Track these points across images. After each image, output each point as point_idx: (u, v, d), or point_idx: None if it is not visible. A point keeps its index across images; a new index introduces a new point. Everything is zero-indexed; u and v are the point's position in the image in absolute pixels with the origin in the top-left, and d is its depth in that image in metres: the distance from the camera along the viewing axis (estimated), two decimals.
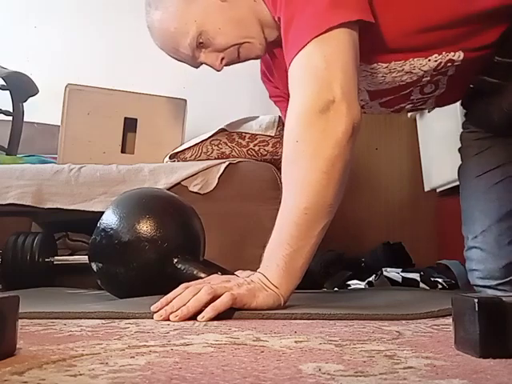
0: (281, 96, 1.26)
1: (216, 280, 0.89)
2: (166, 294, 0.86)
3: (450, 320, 0.57)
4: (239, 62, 1.16)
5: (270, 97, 1.33)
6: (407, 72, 1.05)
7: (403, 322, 0.79)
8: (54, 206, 1.55)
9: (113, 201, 1.18)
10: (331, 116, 0.88)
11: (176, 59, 1.17)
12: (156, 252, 1.07)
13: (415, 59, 1.03)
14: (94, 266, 1.12)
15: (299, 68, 0.92)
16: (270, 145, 1.66)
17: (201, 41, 1.10)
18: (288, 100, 0.94)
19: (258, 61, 1.28)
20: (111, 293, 1.13)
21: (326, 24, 0.90)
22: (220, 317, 0.80)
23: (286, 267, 0.88)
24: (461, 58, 1.03)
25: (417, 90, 1.12)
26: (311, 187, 0.88)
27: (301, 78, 0.92)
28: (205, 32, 1.09)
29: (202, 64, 1.16)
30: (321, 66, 0.90)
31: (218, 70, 1.17)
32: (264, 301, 0.85)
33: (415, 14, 0.99)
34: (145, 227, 1.08)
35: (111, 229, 1.09)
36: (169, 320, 0.79)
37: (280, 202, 0.91)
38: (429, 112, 1.81)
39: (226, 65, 1.15)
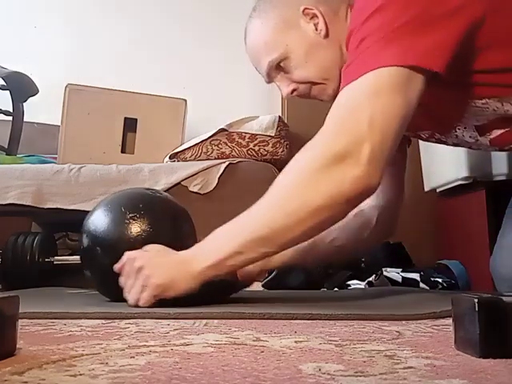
0: None
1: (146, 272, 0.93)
2: None
3: (450, 320, 0.57)
4: (309, 98, 1.13)
5: None
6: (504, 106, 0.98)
7: (403, 322, 0.79)
8: (54, 206, 1.55)
9: (100, 201, 1.18)
10: (345, 169, 0.84)
11: (254, 66, 1.16)
12: None
13: None
14: (87, 272, 1.11)
15: (343, 100, 0.88)
16: (270, 145, 1.66)
17: (282, 65, 1.08)
18: None
19: None
20: (105, 295, 1.13)
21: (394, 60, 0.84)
22: (220, 317, 0.81)
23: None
24: None
25: None
26: (277, 214, 0.88)
27: (340, 115, 0.88)
28: (289, 59, 1.07)
29: (273, 82, 1.13)
30: (364, 114, 0.85)
31: (285, 98, 1.14)
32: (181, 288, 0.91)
33: None
34: (133, 228, 1.07)
35: (96, 231, 1.08)
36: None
37: None
38: None
39: (296, 95, 1.12)
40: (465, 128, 1.06)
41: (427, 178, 1.97)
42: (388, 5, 0.87)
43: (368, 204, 1.18)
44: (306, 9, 1.05)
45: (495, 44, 0.90)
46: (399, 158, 1.23)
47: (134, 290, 0.93)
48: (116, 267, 0.97)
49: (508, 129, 1.05)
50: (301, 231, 0.88)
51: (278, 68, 1.09)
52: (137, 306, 0.92)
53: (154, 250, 0.98)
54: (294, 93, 1.11)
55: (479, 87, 0.96)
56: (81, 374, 0.44)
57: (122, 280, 0.96)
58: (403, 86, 0.86)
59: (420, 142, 2.06)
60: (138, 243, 1.03)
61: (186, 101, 2.00)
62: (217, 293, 0.98)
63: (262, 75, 1.14)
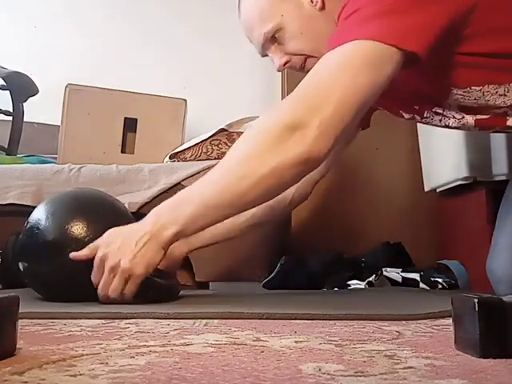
0: None
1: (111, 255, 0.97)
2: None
3: (450, 320, 0.57)
4: (301, 71, 1.12)
5: None
6: (501, 95, 0.99)
7: (403, 322, 0.79)
8: None
9: (45, 199, 1.18)
10: (293, 138, 0.87)
11: (247, 37, 1.15)
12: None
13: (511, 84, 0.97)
14: (20, 265, 1.11)
15: (316, 68, 0.91)
16: None
17: (276, 36, 1.07)
18: None
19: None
20: (39, 293, 1.13)
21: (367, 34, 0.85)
22: (220, 317, 0.81)
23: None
24: None
25: None
26: (231, 180, 0.92)
27: (306, 84, 0.91)
28: (284, 30, 1.06)
29: (267, 55, 1.13)
30: (325, 86, 0.87)
31: (278, 70, 1.14)
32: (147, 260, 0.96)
33: None
34: (71, 227, 1.06)
35: (37, 228, 1.08)
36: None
37: None
38: None
39: (289, 68, 1.13)
40: (449, 107, 1.07)
41: (427, 178, 1.97)
42: None
43: None
44: None
45: (484, 32, 0.91)
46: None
47: (115, 285, 0.96)
48: (77, 256, 1.00)
49: (490, 115, 1.06)
50: (254, 195, 0.92)
51: (272, 39, 1.08)
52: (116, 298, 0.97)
53: (115, 239, 0.99)
54: (287, 65, 1.10)
55: (462, 70, 0.95)
56: (81, 374, 0.44)
57: (94, 279, 0.99)
58: (376, 63, 0.87)
59: (420, 142, 2.06)
60: (77, 242, 1.04)
61: (186, 101, 2.00)
62: (161, 295, 1.03)
63: (255, 46, 1.13)
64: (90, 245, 1.00)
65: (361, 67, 0.87)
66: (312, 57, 1.07)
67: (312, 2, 1.05)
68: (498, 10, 0.91)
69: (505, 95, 0.99)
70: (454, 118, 1.09)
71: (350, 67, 0.87)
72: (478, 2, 0.88)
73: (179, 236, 0.97)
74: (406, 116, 1.16)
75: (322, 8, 1.05)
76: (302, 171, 0.92)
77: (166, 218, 0.96)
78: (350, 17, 0.89)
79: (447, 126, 1.14)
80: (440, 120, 1.12)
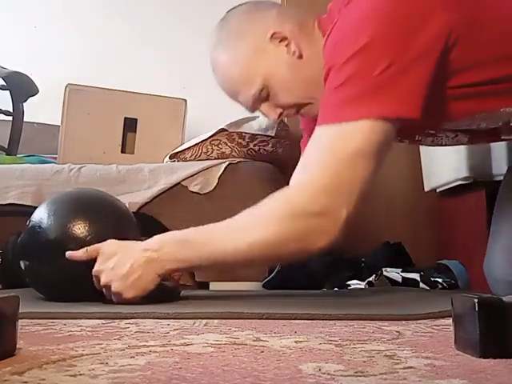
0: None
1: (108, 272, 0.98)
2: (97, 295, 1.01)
3: (450, 320, 0.57)
4: (298, 115, 1.12)
5: (301, 128, 1.24)
6: (491, 118, 0.99)
7: (403, 322, 0.79)
8: None
9: (47, 199, 1.19)
10: (320, 228, 0.89)
11: (231, 98, 1.14)
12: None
13: (506, 108, 0.96)
14: (21, 263, 1.11)
15: (324, 142, 0.89)
16: (270, 145, 1.66)
17: (264, 94, 1.05)
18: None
19: None
20: (40, 292, 1.13)
21: (369, 113, 0.85)
22: (220, 317, 0.81)
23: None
24: None
25: (506, 129, 1.05)
26: (246, 251, 0.92)
27: (321, 167, 0.89)
28: (270, 86, 1.04)
29: (257, 110, 1.12)
30: (345, 177, 0.87)
31: (274, 122, 1.15)
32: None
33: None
34: (73, 226, 1.06)
35: (39, 226, 1.08)
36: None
37: None
38: None
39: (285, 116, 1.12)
40: (441, 130, 1.07)
41: (427, 178, 1.97)
42: (368, 47, 0.86)
43: None
44: (274, 34, 1.02)
45: (471, 64, 0.91)
46: None
47: (110, 296, 0.99)
48: (72, 256, 1.02)
49: (482, 135, 1.07)
50: (257, 264, 1.04)
51: (260, 98, 1.06)
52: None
53: (111, 255, 0.99)
54: (282, 116, 1.09)
55: (453, 103, 0.95)
56: (81, 374, 0.44)
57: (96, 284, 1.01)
58: (381, 141, 0.87)
59: None
60: (78, 241, 1.04)
61: (186, 101, 2.00)
62: (163, 296, 1.03)
63: (243, 106, 1.12)
64: (87, 248, 1.01)
65: (371, 156, 0.87)
66: (305, 104, 1.05)
67: (289, 52, 1.02)
68: (481, 40, 0.90)
69: (496, 118, 0.99)
70: (448, 137, 1.10)
71: (362, 158, 0.87)
72: (460, 35, 0.88)
73: (174, 271, 1.02)
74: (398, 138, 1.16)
75: (301, 56, 1.02)
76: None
77: (167, 250, 0.97)
78: (341, 87, 0.87)
79: (440, 145, 1.14)
80: (432, 140, 1.13)
